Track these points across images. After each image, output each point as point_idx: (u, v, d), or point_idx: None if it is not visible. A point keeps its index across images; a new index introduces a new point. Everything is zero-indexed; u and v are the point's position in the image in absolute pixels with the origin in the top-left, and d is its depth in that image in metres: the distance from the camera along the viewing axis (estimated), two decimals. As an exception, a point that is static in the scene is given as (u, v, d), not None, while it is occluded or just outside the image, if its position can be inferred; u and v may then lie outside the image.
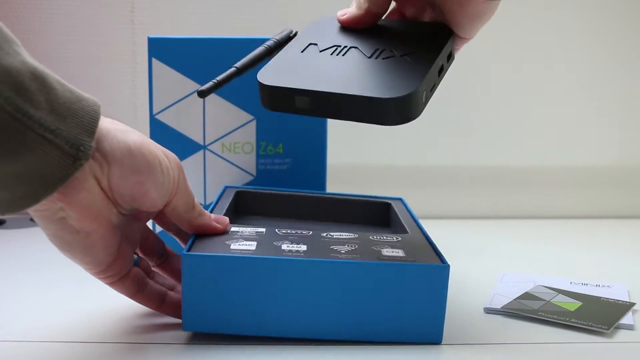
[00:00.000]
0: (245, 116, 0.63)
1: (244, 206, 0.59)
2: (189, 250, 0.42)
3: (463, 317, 0.48)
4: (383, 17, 0.46)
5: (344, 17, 0.46)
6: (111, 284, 0.43)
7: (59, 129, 0.34)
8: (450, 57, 0.44)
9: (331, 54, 0.44)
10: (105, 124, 0.38)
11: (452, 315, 0.48)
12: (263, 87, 0.42)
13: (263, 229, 0.48)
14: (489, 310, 0.49)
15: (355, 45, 0.44)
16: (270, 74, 0.43)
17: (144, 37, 0.80)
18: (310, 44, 0.45)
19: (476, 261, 0.66)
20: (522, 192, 0.93)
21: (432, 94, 0.42)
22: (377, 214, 0.59)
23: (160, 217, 0.47)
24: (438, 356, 0.41)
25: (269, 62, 0.45)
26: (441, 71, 0.43)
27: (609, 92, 0.92)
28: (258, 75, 0.43)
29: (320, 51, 0.44)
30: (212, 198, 0.65)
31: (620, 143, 0.94)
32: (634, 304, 0.50)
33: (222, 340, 0.42)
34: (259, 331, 0.42)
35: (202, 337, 0.43)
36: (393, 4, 0.47)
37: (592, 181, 0.93)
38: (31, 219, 0.86)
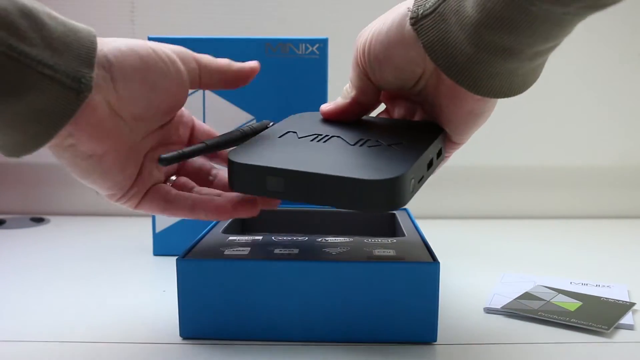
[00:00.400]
0: (245, 116, 0.63)
1: (251, 223, 0.59)
2: (183, 257, 0.42)
3: (463, 316, 0.48)
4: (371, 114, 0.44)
5: (328, 107, 0.44)
6: (136, 207, 0.42)
7: (57, 64, 0.34)
8: (440, 154, 0.41)
9: (311, 140, 0.41)
10: (101, 46, 0.37)
11: (452, 315, 0.48)
12: (232, 164, 0.39)
13: (260, 237, 0.48)
14: (489, 310, 0.49)
15: (338, 135, 0.41)
16: (242, 153, 0.40)
17: (144, 37, 0.80)
18: (289, 131, 0.43)
19: (476, 261, 0.66)
20: (522, 192, 0.93)
21: (419, 186, 0.39)
22: (383, 225, 0.59)
23: (190, 167, 0.46)
24: (438, 356, 0.41)
25: (243, 144, 0.42)
26: (430, 165, 0.40)
27: (610, 92, 0.92)
28: (229, 154, 0.40)
29: (299, 137, 0.42)
30: (212, 198, 0.65)
31: (620, 143, 0.94)
32: (634, 303, 0.50)
33: (219, 339, 0.42)
34: (256, 335, 0.42)
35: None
36: (382, 106, 0.45)
37: (592, 181, 0.93)
38: (31, 219, 0.86)
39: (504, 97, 0.37)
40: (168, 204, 0.42)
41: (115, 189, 0.40)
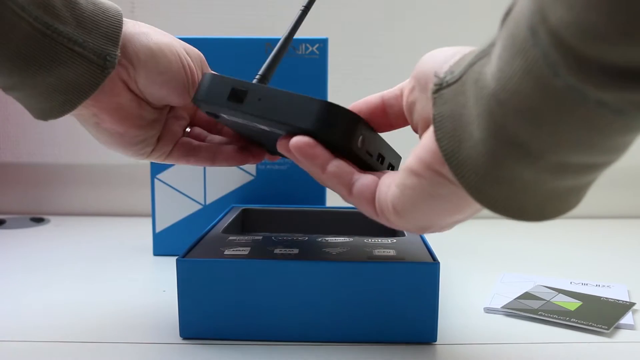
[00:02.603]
0: (245, 116, 0.63)
1: (250, 223, 0.59)
2: (183, 256, 0.42)
3: (463, 316, 0.48)
4: None
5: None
6: (161, 161, 0.46)
7: (86, 41, 0.37)
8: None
9: None
10: (129, 28, 0.40)
11: (452, 315, 0.48)
12: (204, 76, 0.39)
13: (260, 237, 0.48)
14: (489, 310, 0.49)
15: None
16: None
17: (144, 37, 0.80)
18: None
19: (476, 261, 0.66)
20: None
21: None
22: (383, 225, 0.59)
23: (202, 117, 0.48)
24: (438, 356, 0.41)
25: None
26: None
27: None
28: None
29: None
30: (212, 198, 0.65)
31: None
32: (634, 303, 0.50)
33: (219, 339, 0.42)
34: (256, 335, 0.42)
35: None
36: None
37: (592, 181, 0.92)
38: (31, 219, 0.86)
39: (509, 216, 0.28)
40: (191, 155, 0.46)
41: (139, 154, 0.44)
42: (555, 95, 0.23)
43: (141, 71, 0.40)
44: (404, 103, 0.36)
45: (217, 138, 0.48)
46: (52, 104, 0.38)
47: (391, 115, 0.38)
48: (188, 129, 0.48)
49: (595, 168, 0.26)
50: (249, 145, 0.47)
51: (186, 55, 0.42)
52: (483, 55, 0.28)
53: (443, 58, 0.32)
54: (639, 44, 0.20)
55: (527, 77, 0.24)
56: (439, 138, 0.29)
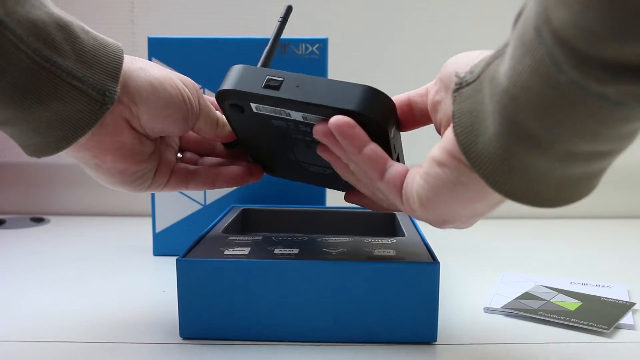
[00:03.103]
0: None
1: (250, 223, 0.59)
2: (183, 256, 0.42)
3: (463, 316, 0.48)
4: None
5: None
6: (159, 191, 0.45)
7: (85, 76, 0.36)
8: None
9: None
10: (127, 64, 0.40)
11: (452, 315, 0.48)
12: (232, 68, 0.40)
13: (260, 237, 0.48)
14: (489, 310, 0.49)
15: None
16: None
17: (144, 37, 0.80)
18: None
19: (476, 261, 0.66)
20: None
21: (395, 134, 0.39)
22: (383, 225, 0.59)
23: (191, 139, 0.49)
24: (438, 356, 0.41)
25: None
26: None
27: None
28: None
29: None
30: (212, 198, 0.65)
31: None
32: (634, 303, 0.50)
33: (219, 339, 0.42)
34: (256, 335, 0.42)
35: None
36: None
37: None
38: (31, 219, 0.86)
39: (526, 203, 0.30)
40: (190, 181, 0.46)
41: (138, 188, 0.43)
42: (560, 89, 0.25)
43: (144, 107, 0.39)
44: (429, 102, 0.37)
45: (211, 160, 0.48)
46: (47, 139, 0.37)
47: (416, 112, 0.39)
48: (179, 155, 0.48)
49: (603, 156, 0.28)
50: (248, 163, 0.48)
51: (183, 86, 0.42)
52: (498, 55, 0.29)
53: (467, 61, 0.34)
54: (632, 41, 0.21)
55: (535, 73, 0.26)
56: (457, 133, 0.31)
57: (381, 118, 0.36)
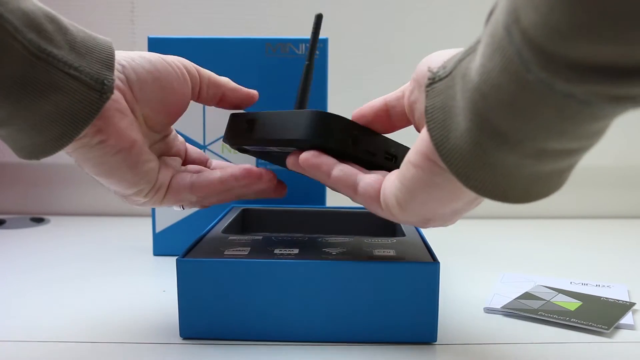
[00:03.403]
0: (245, 116, 0.63)
1: (250, 223, 0.59)
2: (183, 256, 0.42)
3: (463, 316, 0.48)
4: None
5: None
6: (163, 200, 0.43)
7: (82, 66, 0.35)
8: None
9: None
10: (117, 56, 0.39)
11: (452, 315, 0.48)
12: (230, 117, 0.46)
13: (260, 237, 0.48)
14: (489, 310, 0.49)
15: None
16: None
17: (144, 37, 0.80)
18: None
19: (476, 261, 0.66)
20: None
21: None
22: (383, 225, 0.59)
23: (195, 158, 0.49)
24: (438, 356, 0.41)
25: None
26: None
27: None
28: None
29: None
30: (212, 198, 0.65)
31: (619, 143, 0.94)
32: (634, 303, 0.50)
33: (219, 339, 0.42)
34: (256, 335, 0.42)
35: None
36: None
37: (592, 181, 0.93)
38: (31, 219, 0.86)
39: (496, 199, 0.30)
40: (196, 183, 0.43)
41: (142, 182, 0.41)
42: (528, 88, 0.25)
43: (131, 75, 0.39)
44: (406, 104, 0.38)
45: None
46: (46, 137, 0.35)
47: (394, 116, 0.40)
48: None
49: (572, 153, 0.29)
50: (270, 178, 0.47)
51: (168, 56, 0.42)
52: (471, 51, 0.30)
53: (441, 58, 0.34)
54: (597, 42, 0.22)
55: (505, 72, 0.26)
56: (430, 128, 0.31)
57: (332, 140, 0.38)
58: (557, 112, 0.26)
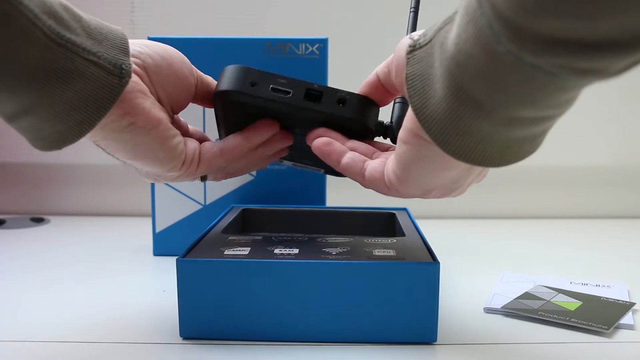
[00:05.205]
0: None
1: (250, 223, 0.59)
2: (183, 256, 0.42)
3: (463, 316, 0.48)
4: None
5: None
6: (197, 168, 0.44)
7: (99, 52, 0.36)
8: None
9: None
10: (132, 43, 0.40)
11: (452, 315, 0.48)
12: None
13: (260, 237, 0.48)
14: (489, 310, 0.49)
15: None
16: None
17: (144, 37, 0.80)
18: None
19: (476, 261, 0.66)
20: (522, 192, 0.93)
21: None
22: (383, 225, 0.59)
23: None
24: (438, 356, 0.41)
25: None
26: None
27: (609, 92, 0.92)
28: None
29: None
30: (212, 198, 0.65)
31: (619, 143, 0.94)
32: (634, 303, 0.50)
33: (219, 339, 0.42)
34: (256, 335, 0.42)
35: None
36: None
37: (592, 181, 0.93)
38: (31, 219, 0.86)
39: (474, 163, 0.32)
40: (224, 147, 0.44)
41: (175, 157, 0.41)
42: (499, 59, 0.27)
43: (146, 60, 0.40)
44: (397, 81, 0.40)
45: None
46: (69, 124, 0.35)
47: (388, 87, 0.42)
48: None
49: (544, 120, 0.30)
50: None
51: (175, 50, 0.43)
52: (449, 21, 0.32)
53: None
54: (559, 17, 0.23)
55: (477, 43, 0.27)
56: (410, 95, 0.33)
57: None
58: (527, 82, 0.27)
